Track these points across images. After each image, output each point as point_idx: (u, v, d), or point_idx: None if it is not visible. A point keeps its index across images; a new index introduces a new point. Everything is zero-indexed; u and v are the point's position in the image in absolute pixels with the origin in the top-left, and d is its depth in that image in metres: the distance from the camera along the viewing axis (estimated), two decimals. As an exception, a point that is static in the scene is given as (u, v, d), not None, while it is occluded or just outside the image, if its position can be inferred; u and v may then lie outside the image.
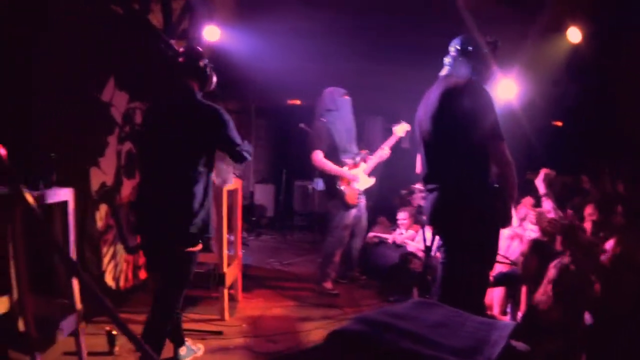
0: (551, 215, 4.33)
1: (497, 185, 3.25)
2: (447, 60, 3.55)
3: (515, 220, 4.98)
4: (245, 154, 3.48)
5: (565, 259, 3.48)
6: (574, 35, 6.60)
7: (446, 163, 3.35)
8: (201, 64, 3.43)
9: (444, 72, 3.54)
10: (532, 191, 5.79)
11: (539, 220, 4.44)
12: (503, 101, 8.50)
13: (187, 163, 3.26)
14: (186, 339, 3.82)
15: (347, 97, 5.80)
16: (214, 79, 3.55)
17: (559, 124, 10.36)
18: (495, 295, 4.44)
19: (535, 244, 3.85)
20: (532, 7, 6.64)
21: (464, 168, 3.25)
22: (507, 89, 8.19)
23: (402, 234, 6.51)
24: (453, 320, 1.44)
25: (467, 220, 3.25)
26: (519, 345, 1.43)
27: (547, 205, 4.39)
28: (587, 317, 3.12)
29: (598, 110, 8.28)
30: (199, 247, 3.38)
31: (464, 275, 3.28)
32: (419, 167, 3.64)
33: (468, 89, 3.29)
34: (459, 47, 3.48)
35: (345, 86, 5.99)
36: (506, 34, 7.09)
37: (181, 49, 3.59)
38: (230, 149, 3.44)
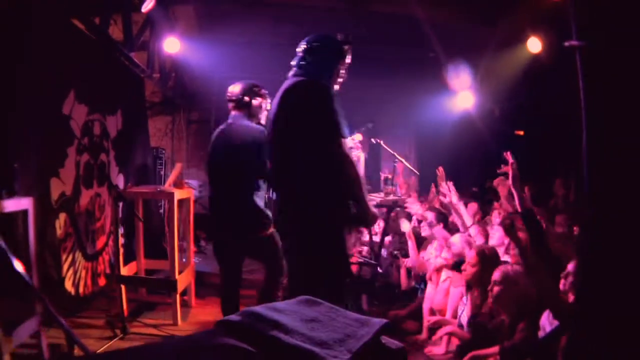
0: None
1: (340, 185, 3.07)
2: (293, 61, 3.31)
3: (469, 220, 5.13)
4: None
5: (507, 267, 3.54)
6: (534, 45, 6.60)
7: (286, 166, 3.16)
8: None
9: (290, 72, 3.30)
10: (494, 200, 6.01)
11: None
12: (461, 111, 8.74)
13: None
14: None
15: None
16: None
17: (521, 133, 10.58)
18: (450, 298, 4.47)
19: (480, 252, 3.95)
20: (491, 18, 6.77)
21: (302, 170, 3.06)
22: (464, 100, 8.44)
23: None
24: (328, 316, 1.55)
25: (308, 224, 3.06)
26: (391, 342, 1.53)
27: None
28: (546, 325, 3.10)
29: (557, 119, 8.45)
30: None
31: (313, 281, 3.03)
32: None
33: (303, 87, 3.12)
34: (305, 46, 3.26)
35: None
36: (465, 45, 7.37)
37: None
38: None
